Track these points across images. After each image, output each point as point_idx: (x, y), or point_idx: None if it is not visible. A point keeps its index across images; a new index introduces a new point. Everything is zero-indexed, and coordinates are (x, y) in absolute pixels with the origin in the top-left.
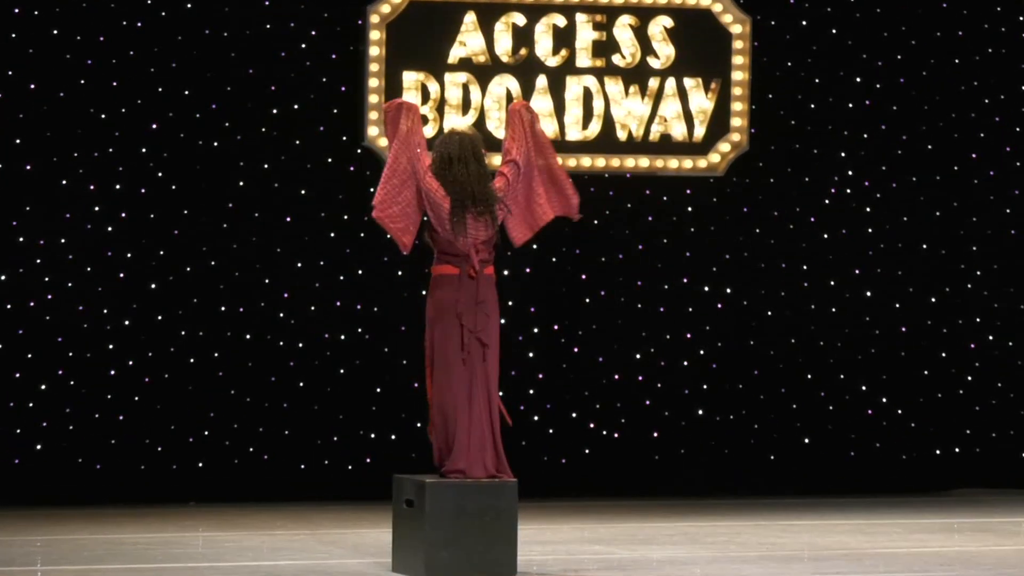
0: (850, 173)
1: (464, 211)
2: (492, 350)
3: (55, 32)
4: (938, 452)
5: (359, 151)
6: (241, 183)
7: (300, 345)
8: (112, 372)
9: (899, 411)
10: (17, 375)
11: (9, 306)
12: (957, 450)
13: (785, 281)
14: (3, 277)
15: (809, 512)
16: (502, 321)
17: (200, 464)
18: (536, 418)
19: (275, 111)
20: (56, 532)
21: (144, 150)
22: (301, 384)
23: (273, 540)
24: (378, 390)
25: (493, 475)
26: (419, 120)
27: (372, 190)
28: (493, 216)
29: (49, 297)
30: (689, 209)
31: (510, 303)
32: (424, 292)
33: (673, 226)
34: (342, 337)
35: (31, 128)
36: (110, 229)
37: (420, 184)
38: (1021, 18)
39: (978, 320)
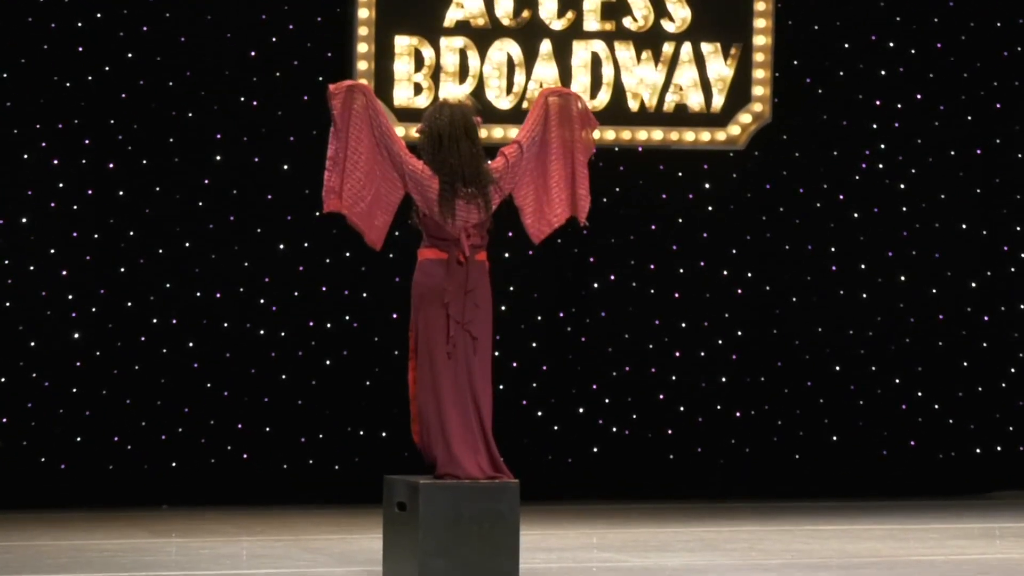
0: (882, 147)
1: (454, 193)
2: (483, 343)
3: None
4: (978, 451)
5: None
6: (218, 157)
7: (282, 334)
8: (78, 363)
9: (935, 406)
10: None
11: None
12: (999, 449)
13: (811, 265)
14: None
15: (838, 516)
16: (502, 308)
17: (173, 464)
18: (540, 414)
19: (255, 79)
20: (15, 538)
21: (112, 121)
22: (283, 377)
23: (253, 547)
24: (367, 383)
25: (491, 476)
26: (376, 99)
27: None
28: (486, 199)
29: (9, 282)
30: (707, 186)
31: (511, 288)
32: None
33: (689, 204)
34: (328, 325)
35: None
36: (75, 207)
37: (402, 168)
38: None
39: (1023, 307)
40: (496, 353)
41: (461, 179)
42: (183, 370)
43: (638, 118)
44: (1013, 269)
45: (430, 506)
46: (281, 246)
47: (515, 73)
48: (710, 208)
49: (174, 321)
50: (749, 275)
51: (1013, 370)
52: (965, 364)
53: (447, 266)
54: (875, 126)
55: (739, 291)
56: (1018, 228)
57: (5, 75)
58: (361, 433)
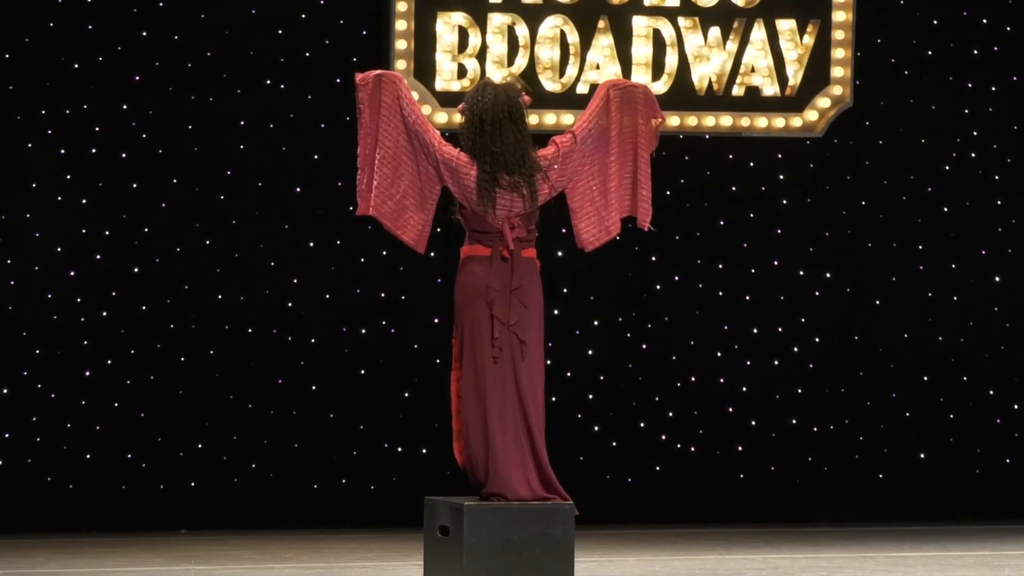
0: (975, 133)
1: (495, 182)
2: (532, 348)
3: None
4: None
5: None
6: (241, 146)
7: (312, 341)
8: (87, 373)
9: None
10: None
11: None
12: None
13: (896, 264)
14: None
15: (925, 542)
16: (554, 311)
17: (192, 484)
18: (596, 428)
19: (282, 59)
20: (19, 565)
21: (125, 106)
22: (313, 388)
23: (281, 575)
24: (406, 395)
25: (543, 497)
26: (407, 89)
27: None
28: (532, 188)
29: (11, 283)
30: (781, 177)
31: (564, 290)
32: None
33: (762, 197)
34: (363, 331)
35: None
36: (84, 201)
37: (435, 157)
38: None
39: None
40: (548, 361)
41: (503, 167)
42: (203, 380)
43: (705, 102)
44: None
45: (475, 530)
46: (311, 244)
47: (569, 52)
48: (784, 202)
49: (193, 327)
50: (828, 276)
51: None
52: None
53: (490, 262)
54: (967, 111)
55: (816, 293)
56: None
57: (7, 55)
58: (399, 450)
